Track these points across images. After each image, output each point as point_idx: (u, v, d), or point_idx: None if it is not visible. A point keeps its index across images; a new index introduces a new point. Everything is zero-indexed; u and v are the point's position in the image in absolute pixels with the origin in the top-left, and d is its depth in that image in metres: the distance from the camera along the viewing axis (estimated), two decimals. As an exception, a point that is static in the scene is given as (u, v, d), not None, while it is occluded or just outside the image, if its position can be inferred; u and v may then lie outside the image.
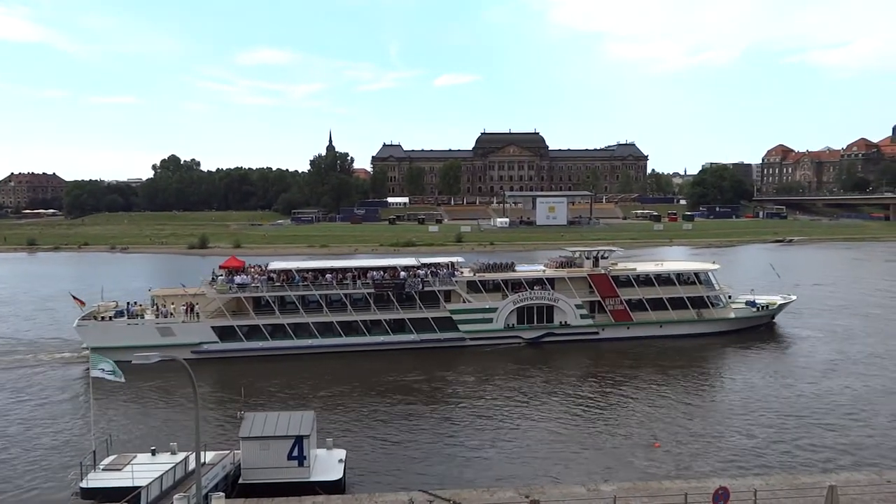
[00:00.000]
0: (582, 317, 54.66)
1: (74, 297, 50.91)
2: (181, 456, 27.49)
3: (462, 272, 55.30)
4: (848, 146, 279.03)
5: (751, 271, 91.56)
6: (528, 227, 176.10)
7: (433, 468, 30.50)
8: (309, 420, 28.07)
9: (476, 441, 33.62)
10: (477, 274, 55.25)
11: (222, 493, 24.68)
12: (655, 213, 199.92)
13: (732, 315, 57.79)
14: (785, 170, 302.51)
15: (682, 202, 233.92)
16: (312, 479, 27.13)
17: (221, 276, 52.86)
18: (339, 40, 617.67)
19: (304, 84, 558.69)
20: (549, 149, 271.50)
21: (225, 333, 50.05)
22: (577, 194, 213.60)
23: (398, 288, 52.07)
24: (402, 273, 52.94)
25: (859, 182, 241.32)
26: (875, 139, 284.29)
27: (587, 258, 57.77)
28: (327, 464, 28.43)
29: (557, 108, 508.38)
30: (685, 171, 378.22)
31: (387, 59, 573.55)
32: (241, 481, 27.14)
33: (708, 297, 56.97)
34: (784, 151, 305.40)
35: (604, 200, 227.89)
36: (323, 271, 53.11)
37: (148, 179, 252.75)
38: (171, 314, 49.88)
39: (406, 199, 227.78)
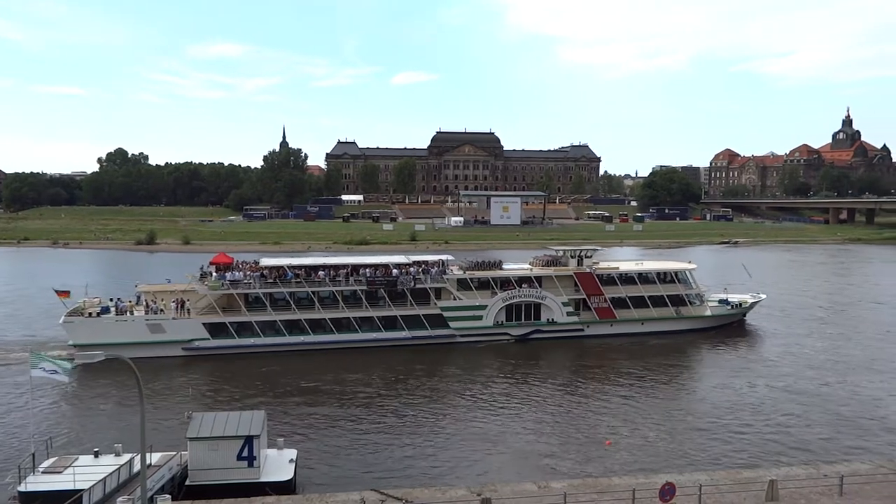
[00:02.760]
0: (568, 314, 55.83)
1: (57, 292, 49.21)
2: (126, 457, 26.76)
3: (452, 270, 55.77)
4: (791, 152, 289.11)
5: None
6: (483, 227, 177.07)
7: (386, 467, 30.39)
8: (259, 420, 27.64)
9: (433, 439, 33.66)
10: (467, 272, 55.72)
11: (168, 496, 24.05)
12: (607, 214, 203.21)
13: (708, 313, 59.85)
14: (731, 173, 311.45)
15: (633, 204, 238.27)
16: (262, 479, 26.75)
17: (211, 271, 51.96)
18: (293, 35, 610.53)
19: (258, 78, 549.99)
20: (504, 149, 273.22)
21: (216, 330, 49.36)
22: (531, 194, 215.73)
23: (390, 285, 52.29)
24: (395, 270, 53.13)
25: (801, 186, 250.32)
26: (816, 145, 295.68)
27: (572, 257, 58.82)
28: (278, 464, 28.06)
29: (513, 109, 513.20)
30: (636, 174, 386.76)
31: (343, 54, 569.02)
32: (188, 483, 26.57)
33: (686, 295, 58.90)
34: (731, 156, 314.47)
35: (557, 201, 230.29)
36: (315, 268, 52.90)
37: (93, 173, 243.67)
38: (162, 310, 48.90)
39: (360, 197, 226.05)
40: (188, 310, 49.43)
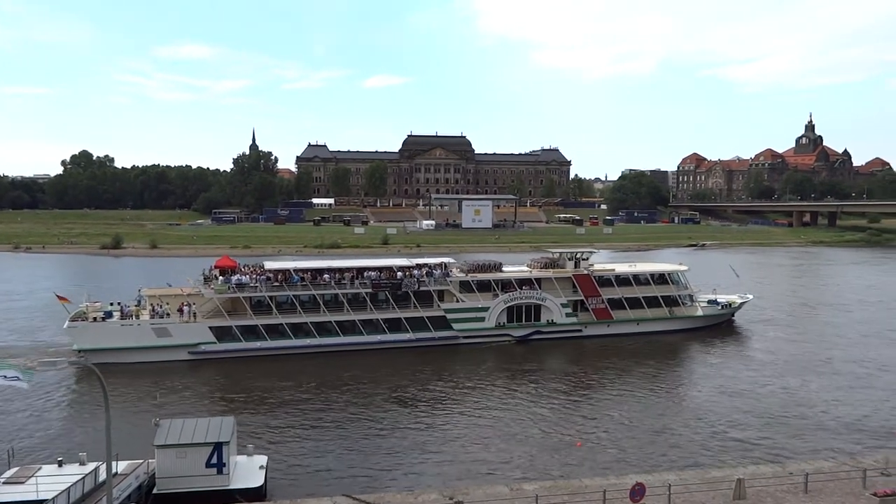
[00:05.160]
0: (567, 315, 56.68)
1: (59, 297, 48.26)
2: (91, 467, 26.23)
3: (454, 272, 56.14)
4: (756, 156, 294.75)
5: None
6: (454, 230, 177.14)
7: (359, 472, 30.18)
8: (228, 426, 27.30)
9: (408, 443, 33.55)
10: (469, 274, 56.09)
11: (135, 505, 23.69)
12: (578, 218, 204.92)
13: (700, 313, 61.16)
14: (698, 177, 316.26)
15: (603, 207, 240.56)
16: (232, 486, 26.42)
17: (215, 275, 51.50)
18: (264, 37, 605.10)
19: (227, 80, 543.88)
20: (475, 152, 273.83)
21: (222, 334, 48.99)
22: (502, 198, 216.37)
23: (395, 288, 52.49)
24: (399, 273, 53.35)
25: (766, 190, 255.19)
26: (780, 150, 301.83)
27: (569, 259, 59.63)
28: (248, 470, 27.72)
29: (484, 113, 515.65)
30: (606, 177, 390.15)
31: (315, 57, 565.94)
32: (155, 491, 26.12)
33: (679, 296, 60.25)
34: (698, 160, 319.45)
35: (528, 204, 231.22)
36: (321, 271, 52.95)
37: (56, 175, 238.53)
38: (168, 314, 48.43)
39: (331, 201, 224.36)
40: (194, 313, 48.96)
